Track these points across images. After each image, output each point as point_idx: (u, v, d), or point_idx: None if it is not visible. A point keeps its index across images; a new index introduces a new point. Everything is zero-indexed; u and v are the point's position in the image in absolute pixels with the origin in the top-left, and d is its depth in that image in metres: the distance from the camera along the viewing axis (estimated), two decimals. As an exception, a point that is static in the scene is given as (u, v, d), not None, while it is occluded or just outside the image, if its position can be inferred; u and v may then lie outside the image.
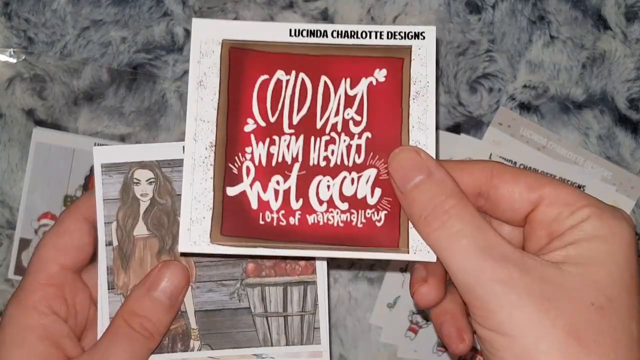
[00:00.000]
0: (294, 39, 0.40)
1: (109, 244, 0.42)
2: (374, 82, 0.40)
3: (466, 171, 0.39)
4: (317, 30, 0.40)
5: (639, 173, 0.58)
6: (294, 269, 0.42)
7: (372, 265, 0.59)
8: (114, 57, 0.58)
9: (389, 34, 0.40)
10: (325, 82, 0.40)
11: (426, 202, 0.37)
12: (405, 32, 0.40)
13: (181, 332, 0.42)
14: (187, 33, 0.58)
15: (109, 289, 0.42)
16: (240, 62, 0.40)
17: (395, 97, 0.40)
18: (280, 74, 0.40)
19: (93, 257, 0.43)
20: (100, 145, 0.42)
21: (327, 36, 0.40)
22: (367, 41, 0.40)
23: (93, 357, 0.39)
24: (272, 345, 0.43)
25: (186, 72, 0.58)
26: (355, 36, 0.40)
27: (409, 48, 0.40)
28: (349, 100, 0.40)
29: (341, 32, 0.40)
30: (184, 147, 0.40)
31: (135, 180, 0.42)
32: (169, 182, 0.42)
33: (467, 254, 0.35)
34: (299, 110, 0.40)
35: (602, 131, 0.58)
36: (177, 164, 0.42)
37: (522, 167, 0.58)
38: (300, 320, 0.43)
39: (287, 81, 0.40)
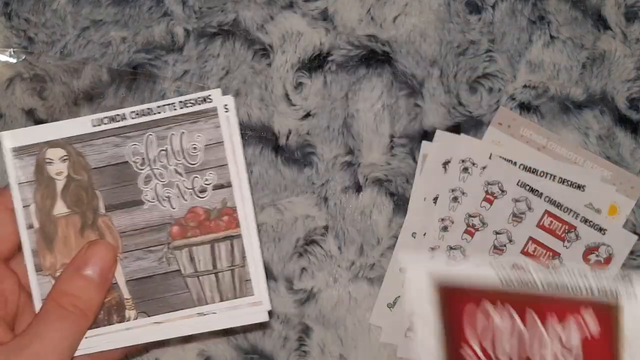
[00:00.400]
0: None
1: (29, 227, 0.42)
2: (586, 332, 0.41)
3: None
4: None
5: (639, 173, 0.58)
6: (219, 225, 0.43)
7: (373, 265, 0.59)
8: (114, 57, 0.58)
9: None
10: (532, 316, 0.41)
11: None
12: None
13: (115, 303, 0.42)
14: (187, 33, 0.58)
15: (36, 272, 0.42)
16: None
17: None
18: (486, 304, 0.42)
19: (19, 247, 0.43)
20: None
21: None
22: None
23: (23, 339, 0.39)
24: (207, 304, 0.43)
25: (186, 72, 0.58)
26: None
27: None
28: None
29: None
30: None
31: (47, 160, 0.42)
32: (82, 157, 0.42)
33: None
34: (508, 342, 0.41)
35: (602, 131, 0.58)
36: (88, 138, 0.43)
37: (521, 167, 0.58)
38: (232, 275, 0.43)
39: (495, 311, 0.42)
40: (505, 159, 0.58)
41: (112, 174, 0.43)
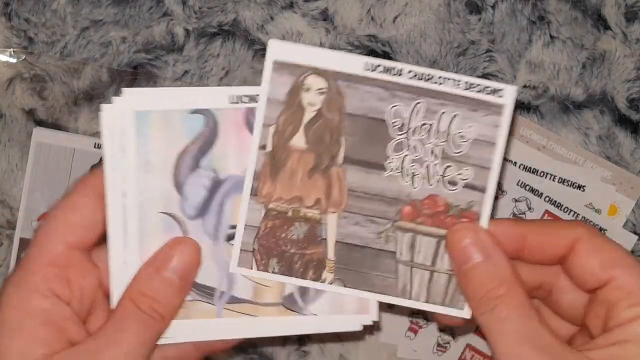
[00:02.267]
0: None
1: (262, 147, 0.38)
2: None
3: (549, 236, 0.39)
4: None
5: (639, 173, 0.58)
6: (454, 224, 0.39)
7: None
8: (114, 57, 0.58)
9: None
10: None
11: (480, 285, 0.37)
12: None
13: (316, 259, 0.39)
14: (187, 33, 0.58)
15: (251, 195, 0.38)
16: None
17: None
18: None
19: (104, 238, 0.40)
20: (273, 42, 0.38)
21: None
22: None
23: (99, 341, 0.36)
24: (409, 299, 0.39)
25: (186, 72, 0.58)
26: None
27: None
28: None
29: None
30: None
31: (305, 87, 0.38)
32: (341, 97, 0.38)
33: (510, 340, 0.36)
34: None
35: (602, 131, 0.58)
36: (355, 80, 0.38)
37: (521, 167, 0.58)
38: (448, 280, 0.39)
39: None
40: (505, 159, 0.58)
41: (365, 126, 0.38)
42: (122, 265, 0.38)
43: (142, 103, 0.38)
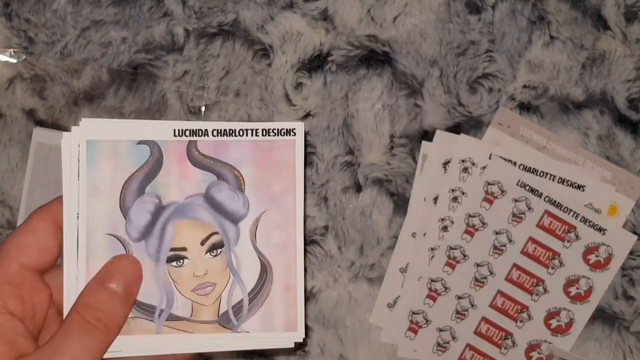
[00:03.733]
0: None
1: None
2: None
3: None
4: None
5: (639, 173, 0.58)
6: None
7: (373, 265, 0.59)
8: (114, 57, 0.58)
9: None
10: None
11: None
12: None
13: None
14: (187, 33, 0.58)
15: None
16: None
17: None
18: None
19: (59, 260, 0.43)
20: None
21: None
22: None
23: (45, 352, 0.38)
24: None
25: (186, 72, 0.58)
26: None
27: None
28: None
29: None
30: None
31: None
32: None
33: None
34: None
35: (602, 131, 0.58)
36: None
37: (521, 167, 0.58)
38: None
39: None
40: (505, 159, 0.58)
41: None
42: (74, 281, 0.41)
43: (94, 133, 0.41)
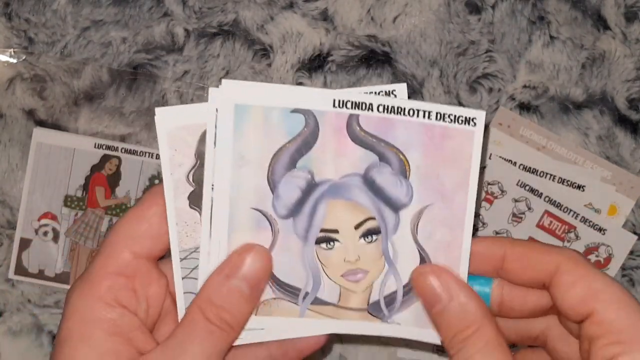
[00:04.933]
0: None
1: None
2: None
3: (529, 261, 0.37)
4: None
5: (639, 173, 0.58)
6: None
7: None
8: (114, 57, 0.58)
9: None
10: None
11: (447, 329, 0.36)
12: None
13: None
14: (187, 33, 0.58)
15: None
16: None
17: None
18: None
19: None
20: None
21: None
22: None
23: (166, 352, 0.36)
24: None
25: (186, 72, 0.58)
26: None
27: None
28: None
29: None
30: None
31: None
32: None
33: None
34: None
35: (602, 131, 0.58)
36: None
37: (521, 167, 0.58)
38: None
39: None
40: (505, 159, 0.58)
41: None
42: (206, 256, 0.37)
43: (243, 96, 0.36)
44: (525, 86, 0.58)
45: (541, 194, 0.58)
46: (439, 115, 0.36)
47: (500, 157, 0.58)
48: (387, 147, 0.37)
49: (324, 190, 0.37)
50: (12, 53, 0.58)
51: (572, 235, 0.57)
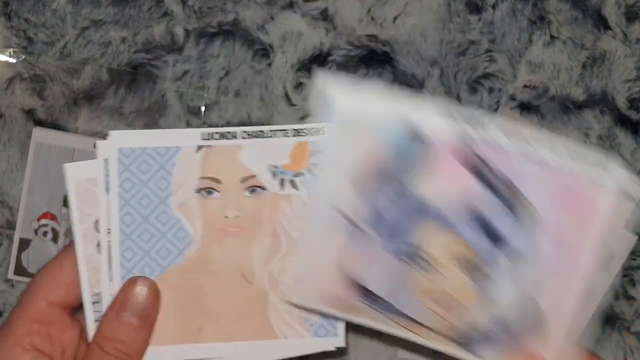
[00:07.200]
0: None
1: None
2: None
3: None
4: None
5: (639, 173, 0.58)
6: None
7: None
8: (114, 57, 0.58)
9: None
10: None
11: None
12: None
13: None
14: (187, 33, 0.58)
15: None
16: None
17: None
18: None
19: None
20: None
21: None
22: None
23: None
24: None
25: (186, 72, 0.58)
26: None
27: None
28: None
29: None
30: None
31: None
32: None
33: None
34: None
35: (602, 131, 0.58)
36: None
37: (522, 167, 0.58)
38: None
39: None
40: (505, 159, 0.58)
41: None
42: (108, 298, 0.40)
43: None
44: (525, 86, 0.58)
45: (541, 194, 0.57)
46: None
47: (500, 157, 0.58)
48: (501, 180, 0.35)
49: (423, 212, 0.35)
50: (12, 53, 0.58)
51: (572, 235, 0.57)
